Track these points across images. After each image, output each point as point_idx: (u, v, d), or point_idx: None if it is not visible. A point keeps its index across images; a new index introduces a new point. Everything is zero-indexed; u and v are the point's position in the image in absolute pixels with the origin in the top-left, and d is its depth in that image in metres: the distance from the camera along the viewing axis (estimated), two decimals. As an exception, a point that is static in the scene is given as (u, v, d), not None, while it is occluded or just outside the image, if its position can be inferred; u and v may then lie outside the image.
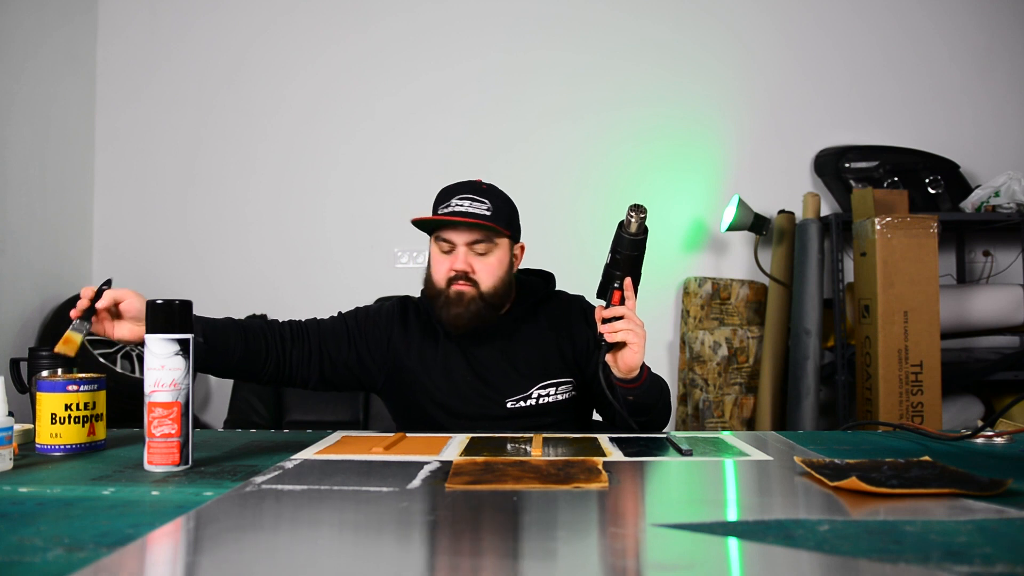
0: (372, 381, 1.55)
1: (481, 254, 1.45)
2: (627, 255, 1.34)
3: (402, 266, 3.40)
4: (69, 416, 1.14)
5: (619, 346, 1.35)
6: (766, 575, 0.66)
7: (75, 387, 1.15)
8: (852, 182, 3.23)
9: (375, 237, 3.41)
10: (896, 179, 3.21)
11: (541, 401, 1.49)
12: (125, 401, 2.34)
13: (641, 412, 1.41)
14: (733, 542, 0.71)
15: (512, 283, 1.52)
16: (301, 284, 3.39)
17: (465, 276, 1.44)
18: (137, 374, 3.01)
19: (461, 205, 1.44)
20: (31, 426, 1.20)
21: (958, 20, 3.43)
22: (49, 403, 1.14)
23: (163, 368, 1.01)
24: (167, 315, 1.03)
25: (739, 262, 3.41)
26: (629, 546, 0.71)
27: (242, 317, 3.28)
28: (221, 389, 3.37)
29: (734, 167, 3.40)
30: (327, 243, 3.41)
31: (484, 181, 1.52)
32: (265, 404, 3.11)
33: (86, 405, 1.15)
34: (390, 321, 1.55)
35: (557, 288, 1.65)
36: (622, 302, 1.34)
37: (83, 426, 1.15)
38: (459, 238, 1.44)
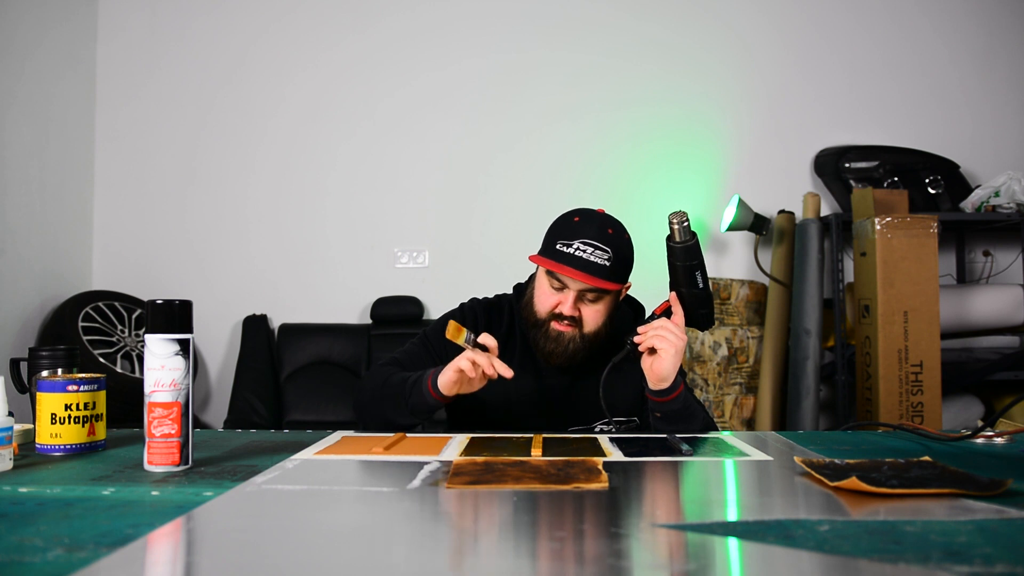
0: None
1: (591, 300, 1.42)
2: (681, 265, 1.34)
3: (402, 266, 3.40)
4: (69, 416, 1.14)
5: (651, 353, 1.35)
6: (766, 575, 0.66)
7: (75, 387, 1.14)
8: (852, 182, 3.23)
9: (375, 237, 3.41)
10: (896, 179, 3.21)
11: (601, 432, 1.48)
12: (125, 401, 2.34)
13: (670, 423, 1.40)
14: (733, 542, 0.71)
15: (612, 320, 1.48)
16: (301, 284, 3.39)
17: (571, 318, 1.42)
18: (137, 374, 3.01)
19: (584, 252, 1.37)
20: (31, 426, 1.20)
21: (957, 20, 3.44)
22: (49, 403, 1.14)
23: (163, 368, 1.01)
24: (167, 315, 1.03)
25: (739, 262, 3.41)
26: (629, 546, 0.71)
27: (241, 318, 3.30)
28: (221, 389, 3.37)
29: (734, 167, 3.40)
30: (327, 243, 3.41)
31: (608, 217, 1.44)
32: (265, 404, 3.11)
33: (86, 405, 1.15)
34: (475, 331, 1.53)
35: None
36: (666, 314, 1.36)
37: (83, 426, 1.15)
38: (573, 284, 1.40)
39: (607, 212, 1.47)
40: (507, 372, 1.28)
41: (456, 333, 1.29)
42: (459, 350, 1.49)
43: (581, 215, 1.44)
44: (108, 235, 3.41)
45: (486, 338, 1.33)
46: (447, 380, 1.32)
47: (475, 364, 1.29)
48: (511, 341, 1.53)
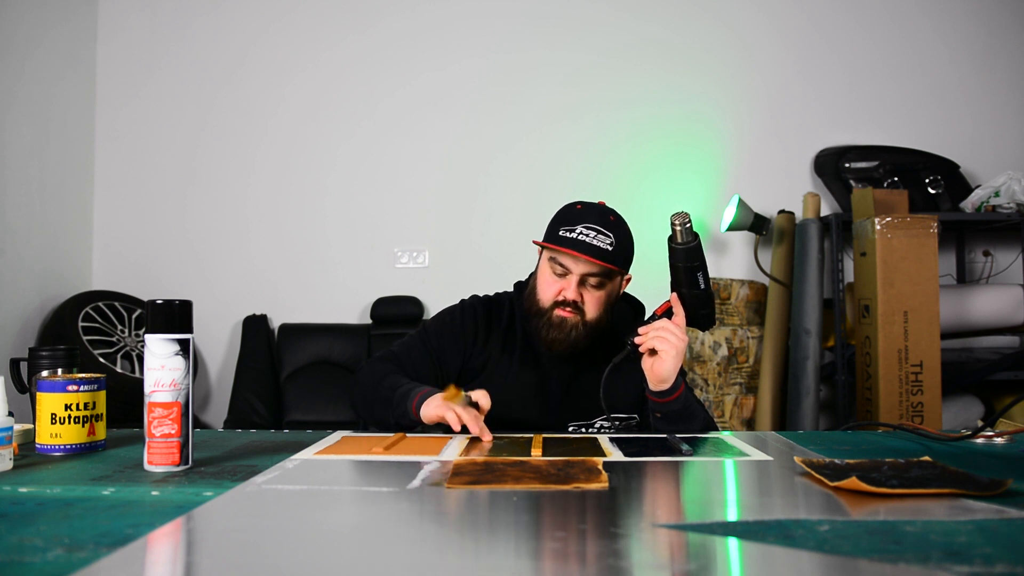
0: (448, 378, 1.54)
1: (593, 286, 1.43)
2: (683, 266, 1.35)
3: (402, 266, 3.40)
4: (69, 416, 1.14)
5: (652, 354, 1.35)
6: (766, 575, 0.66)
7: (75, 387, 1.14)
8: (852, 182, 3.23)
9: (375, 237, 3.41)
10: (896, 179, 3.21)
11: (601, 429, 1.49)
12: (125, 401, 2.34)
13: (671, 423, 1.40)
14: (733, 542, 0.71)
15: (612, 311, 1.50)
16: (301, 284, 3.39)
17: (573, 304, 1.43)
18: (137, 374, 3.01)
19: (587, 236, 1.39)
20: (31, 426, 1.20)
21: (957, 20, 3.44)
22: (49, 403, 1.14)
23: (163, 368, 1.01)
24: (167, 315, 1.03)
25: (739, 262, 3.41)
26: (629, 546, 0.71)
27: (241, 318, 3.30)
28: (221, 389, 3.37)
29: (734, 167, 3.40)
30: (327, 243, 3.41)
31: (609, 208, 1.47)
32: (265, 404, 3.11)
33: (86, 405, 1.15)
34: (473, 327, 1.54)
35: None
36: (667, 314, 1.36)
37: (83, 426, 1.15)
38: (576, 268, 1.42)
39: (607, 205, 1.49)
40: (487, 438, 1.26)
41: (453, 396, 1.31)
42: (456, 353, 1.52)
43: (583, 204, 1.46)
44: (108, 235, 3.41)
45: (482, 397, 1.33)
46: (428, 417, 1.33)
47: (460, 420, 1.29)
48: (511, 336, 1.54)
